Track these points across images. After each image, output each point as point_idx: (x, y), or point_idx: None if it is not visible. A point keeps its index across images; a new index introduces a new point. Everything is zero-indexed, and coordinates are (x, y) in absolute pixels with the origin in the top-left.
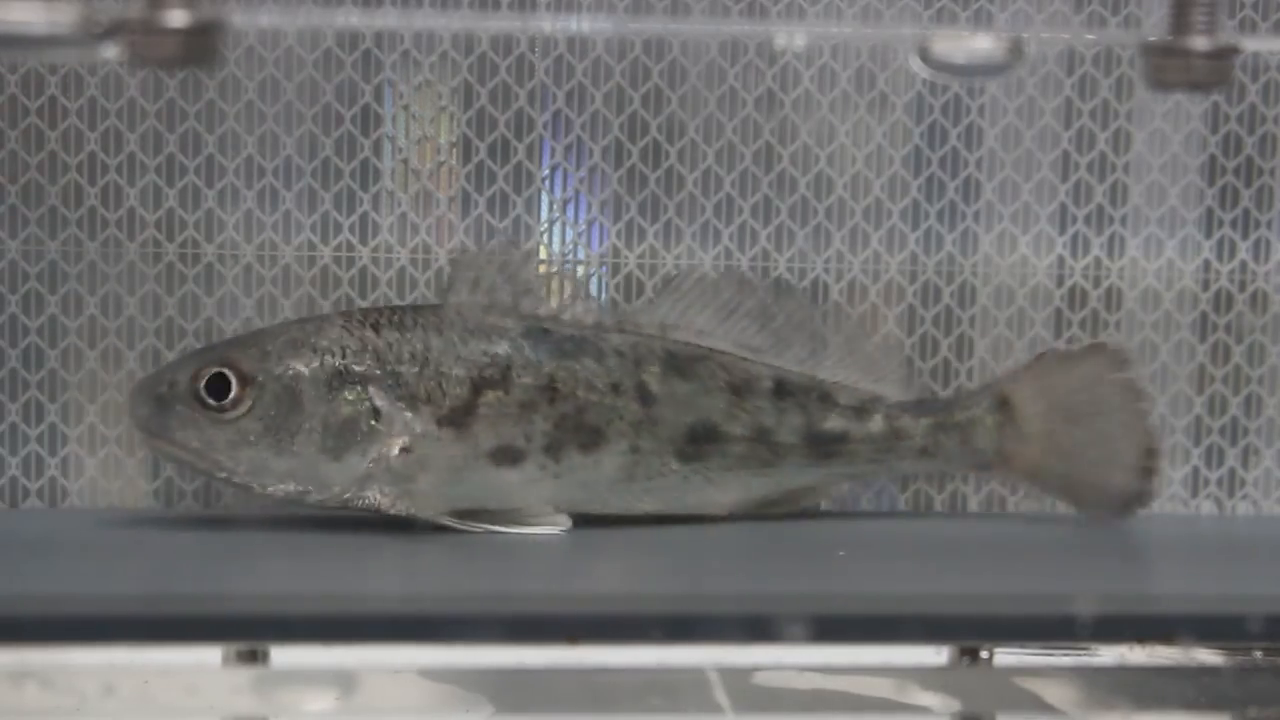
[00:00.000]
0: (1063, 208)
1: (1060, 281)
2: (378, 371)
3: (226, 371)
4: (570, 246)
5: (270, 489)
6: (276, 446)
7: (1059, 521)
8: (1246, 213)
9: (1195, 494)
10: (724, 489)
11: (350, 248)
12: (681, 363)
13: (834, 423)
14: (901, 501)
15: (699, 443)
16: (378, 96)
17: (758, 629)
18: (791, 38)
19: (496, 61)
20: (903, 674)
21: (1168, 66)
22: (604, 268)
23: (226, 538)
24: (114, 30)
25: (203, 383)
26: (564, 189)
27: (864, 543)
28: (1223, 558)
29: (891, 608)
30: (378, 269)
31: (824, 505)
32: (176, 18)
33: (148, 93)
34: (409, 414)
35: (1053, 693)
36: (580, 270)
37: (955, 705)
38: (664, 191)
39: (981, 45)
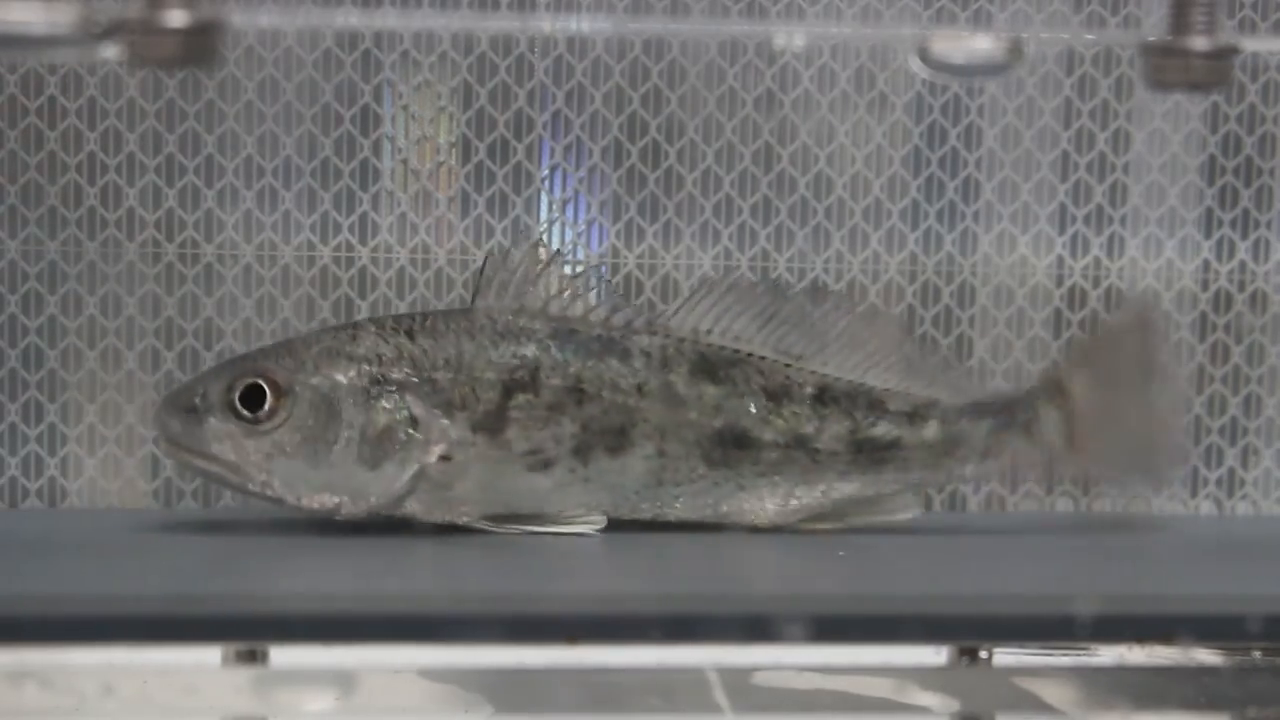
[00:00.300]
0: (1062, 208)
1: (1060, 281)
2: (414, 379)
3: (261, 382)
4: (570, 247)
5: (305, 501)
6: (313, 458)
7: (1058, 521)
8: (1246, 213)
9: (1195, 494)
10: (760, 496)
11: (350, 248)
12: (713, 366)
13: (883, 429)
14: None
15: (728, 448)
16: (377, 97)
17: (757, 629)
18: (791, 38)
19: (496, 62)
20: (902, 674)
21: (1167, 66)
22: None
23: (226, 538)
24: (113, 30)
25: (237, 394)
26: (563, 189)
27: (864, 543)
28: (1222, 558)
29: (891, 608)
30: (377, 269)
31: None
32: (176, 18)
33: (147, 93)
34: (445, 421)
35: (1052, 693)
36: (611, 272)
37: (954, 705)
38: (663, 191)
39: (981, 45)
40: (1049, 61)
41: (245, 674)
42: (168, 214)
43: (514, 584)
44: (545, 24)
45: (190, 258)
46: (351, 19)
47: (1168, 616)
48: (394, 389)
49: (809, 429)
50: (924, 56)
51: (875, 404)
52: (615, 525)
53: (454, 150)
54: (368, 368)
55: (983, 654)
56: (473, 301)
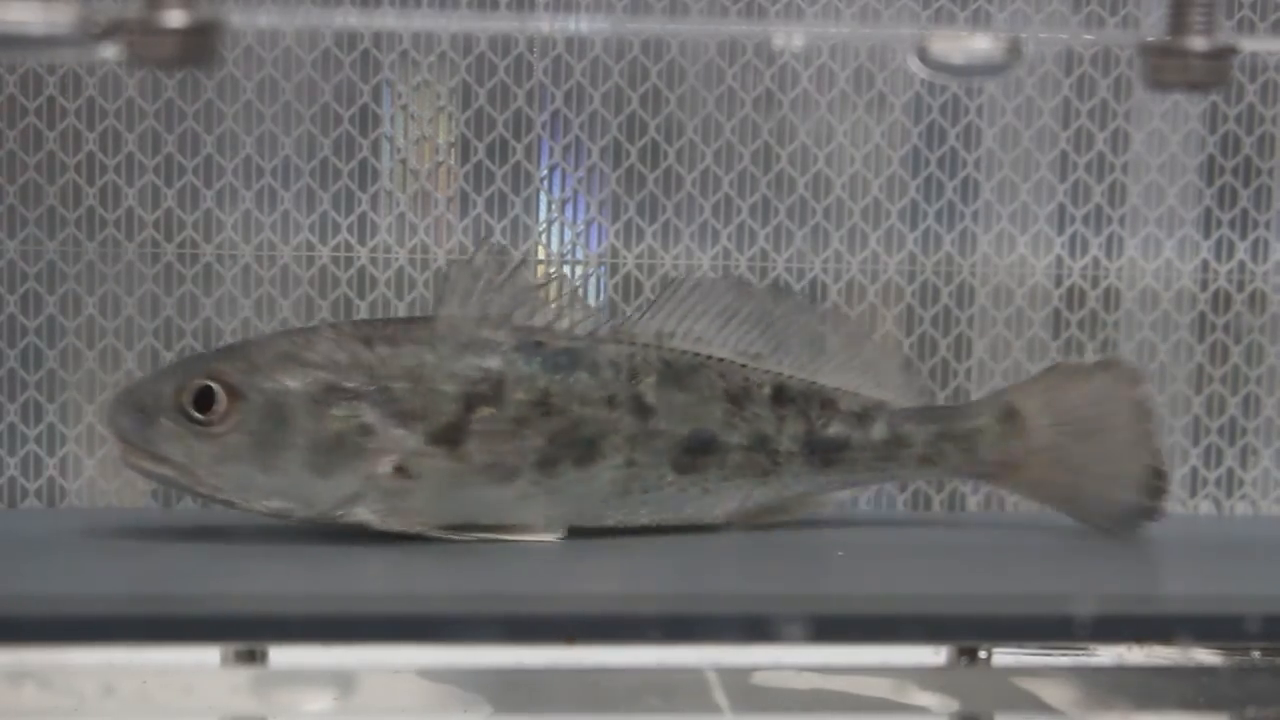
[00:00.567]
0: (1061, 208)
1: (1059, 281)
2: (369, 388)
3: (213, 385)
4: (569, 247)
5: (255, 506)
6: (263, 463)
7: (1057, 522)
8: (1245, 213)
9: (1194, 494)
10: (721, 498)
11: (349, 248)
12: (678, 372)
13: (835, 430)
14: (900, 502)
15: (696, 454)
16: (376, 97)
17: (756, 629)
18: (790, 38)
19: (495, 61)
20: (901, 674)
21: (1166, 66)
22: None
23: (225, 537)
24: (112, 30)
25: (188, 395)
26: (562, 189)
27: (862, 543)
28: (1221, 558)
29: (890, 608)
30: (376, 269)
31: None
32: (175, 18)
33: (146, 93)
34: (400, 431)
35: (1051, 693)
36: (577, 274)
37: (954, 705)
38: (662, 191)
39: (980, 45)
40: (1048, 61)
41: (244, 674)
42: (167, 214)
43: (514, 584)
44: (544, 24)
45: (189, 258)
46: (350, 19)
47: (1167, 616)
48: (348, 397)
49: (770, 430)
50: (923, 56)
51: (828, 403)
52: (590, 533)
53: (453, 150)
54: (322, 374)
55: (982, 654)
56: (435, 309)
